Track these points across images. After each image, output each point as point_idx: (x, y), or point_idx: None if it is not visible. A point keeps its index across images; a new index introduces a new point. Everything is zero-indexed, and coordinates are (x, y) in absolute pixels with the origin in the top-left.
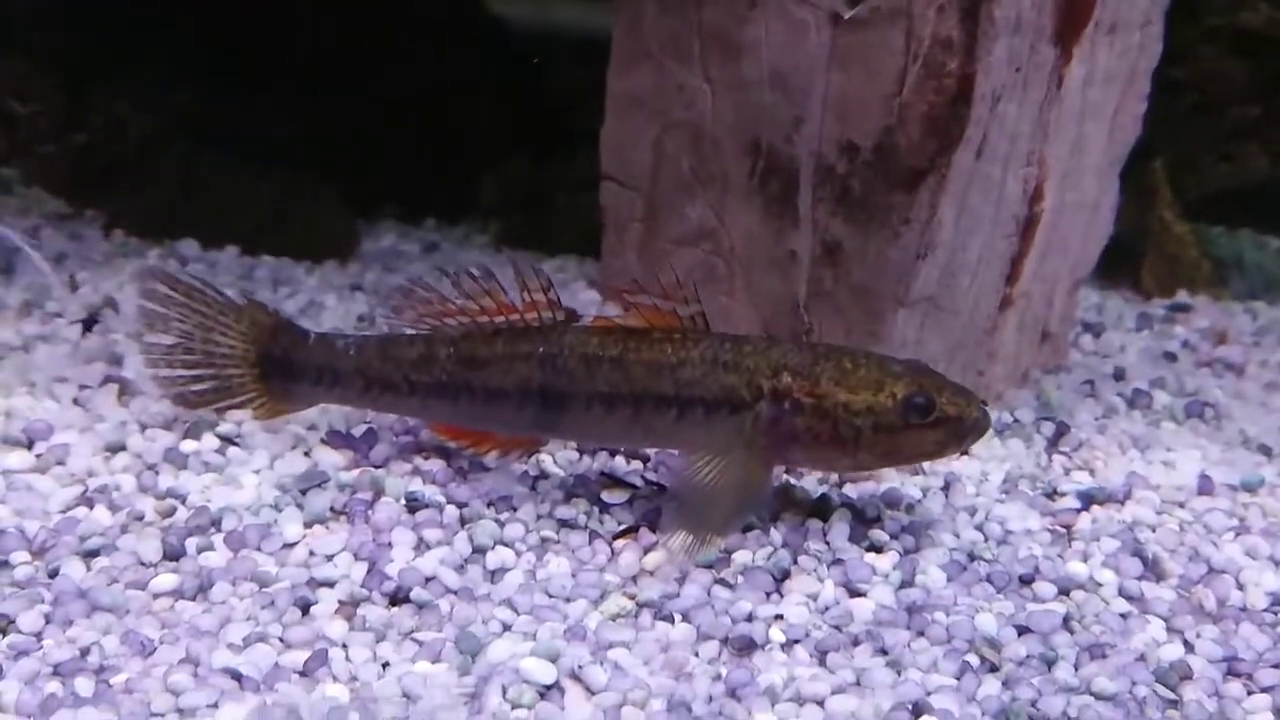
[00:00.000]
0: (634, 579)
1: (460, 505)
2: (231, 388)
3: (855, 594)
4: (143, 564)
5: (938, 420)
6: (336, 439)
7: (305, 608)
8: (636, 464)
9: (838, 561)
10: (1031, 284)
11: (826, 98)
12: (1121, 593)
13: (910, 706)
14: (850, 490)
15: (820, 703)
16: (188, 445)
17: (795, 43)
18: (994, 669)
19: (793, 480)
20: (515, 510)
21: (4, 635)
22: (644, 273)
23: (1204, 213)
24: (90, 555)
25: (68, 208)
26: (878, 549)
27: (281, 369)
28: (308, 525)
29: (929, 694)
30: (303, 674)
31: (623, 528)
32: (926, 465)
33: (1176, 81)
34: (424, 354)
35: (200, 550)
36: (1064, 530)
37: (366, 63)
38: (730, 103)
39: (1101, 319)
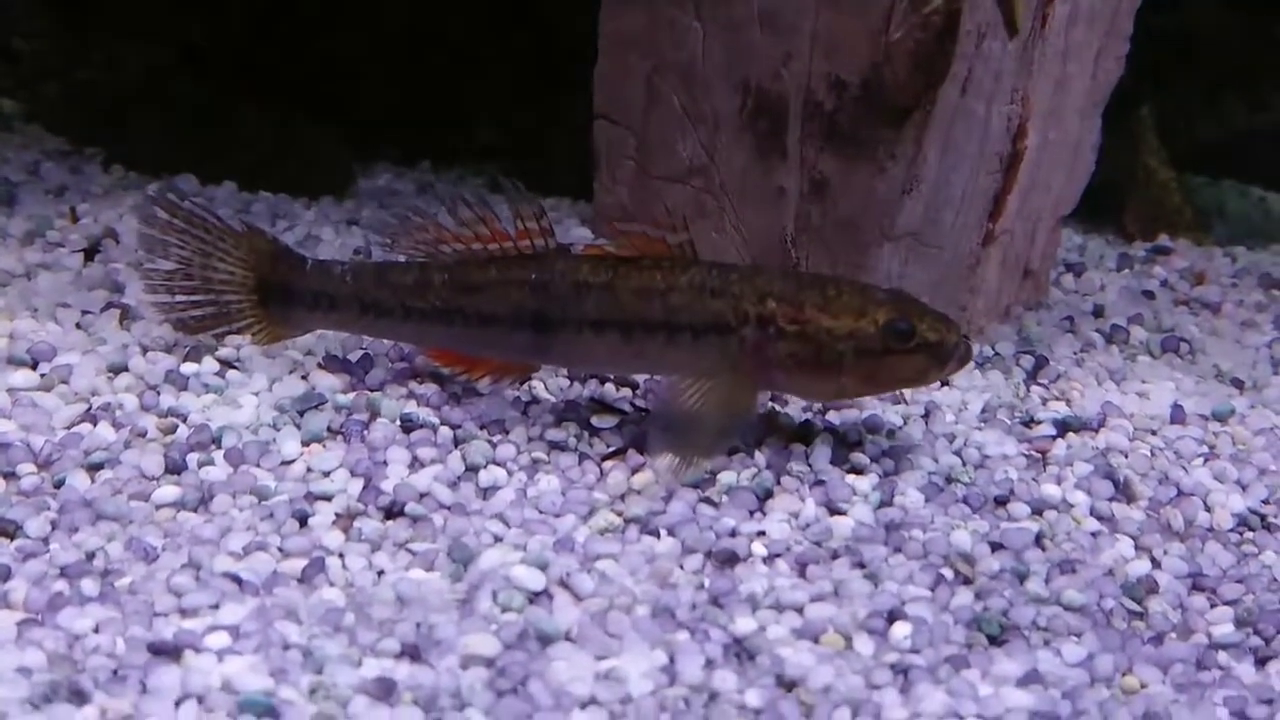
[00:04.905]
0: (622, 497)
1: (454, 427)
2: (230, 313)
3: (836, 512)
4: (145, 477)
5: (918, 345)
6: (333, 364)
7: (303, 519)
8: (626, 391)
9: (819, 482)
10: (1014, 221)
11: (815, 35)
12: (1093, 513)
13: (886, 614)
14: (833, 417)
15: (799, 610)
16: (188, 368)
17: None
18: (967, 582)
19: (777, 407)
20: (507, 433)
21: (11, 539)
22: (635, 210)
23: (1190, 163)
24: (94, 468)
25: (69, 145)
26: (858, 471)
27: (280, 295)
28: (305, 444)
29: (904, 603)
30: (300, 580)
31: (611, 449)
32: (907, 394)
33: (1164, 30)
34: (419, 280)
35: (201, 465)
36: (1039, 455)
37: (366, 2)
38: (721, 41)
39: (1083, 259)
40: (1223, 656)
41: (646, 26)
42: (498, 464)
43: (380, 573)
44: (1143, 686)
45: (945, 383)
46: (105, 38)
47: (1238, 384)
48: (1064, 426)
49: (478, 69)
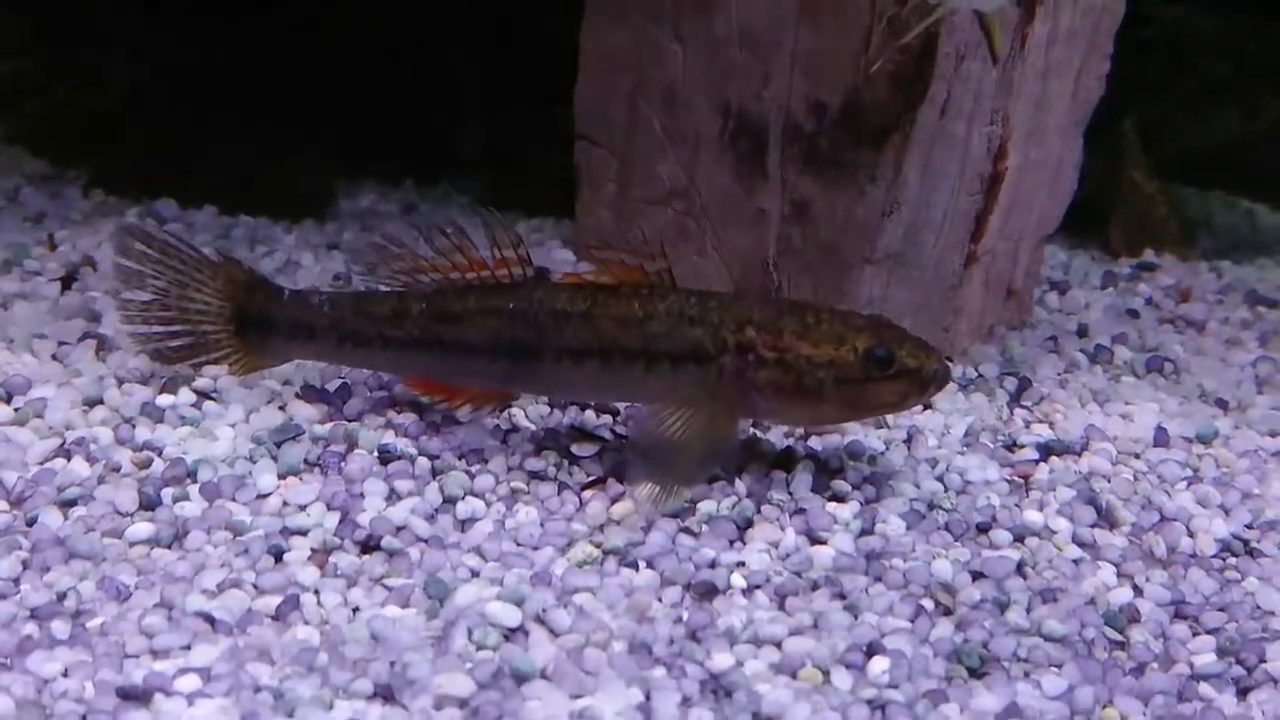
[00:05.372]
0: (601, 528)
1: (432, 457)
2: (207, 344)
3: (816, 541)
4: (119, 513)
5: (899, 372)
6: (311, 394)
7: (278, 555)
8: (606, 418)
9: (800, 511)
10: (996, 241)
11: (795, 56)
12: (1075, 540)
13: (865, 648)
14: (814, 443)
15: (778, 644)
16: (164, 399)
17: (764, 1)
18: (948, 612)
19: (759, 433)
20: (486, 462)
21: None
22: (617, 231)
23: (1177, 173)
24: (68, 505)
25: (49, 168)
26: (839, 498)
27: (257, 325)
28: (282, 476)
29: (883, 636)
30: (275, 618)
31: (591, 479)
32: (890, 419)
33: (1147, 41)
34: (397, 309)
35: (176, 500)
36: (1022, 480)
37: (346, 21)
38: (701, 62)
39: (1067, 277)
40: (1204, 688)
41: (628, 46)
42: (476, 495)
43: (355, 609)
44: (1123, 719)
45: (928, 405)
46: (85, 57)
47: (1222, 404)
48: (1047, 450)
49: (462, 87)
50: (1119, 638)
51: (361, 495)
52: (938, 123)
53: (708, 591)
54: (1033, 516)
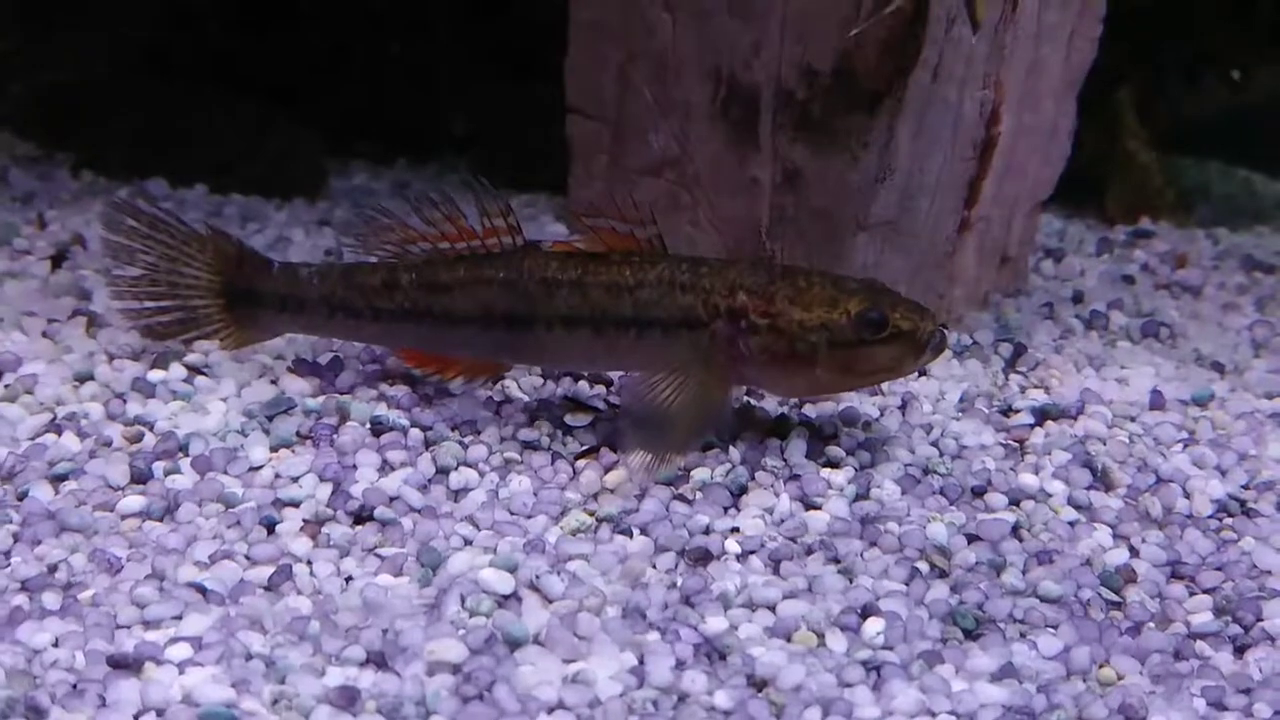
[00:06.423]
0: (594, 496)
1: (425, 429)
2: (198, 318)
3: (810, 507)
4: (110, 487)
5: (892, 336)
6: (303, 367)
7: (270, 527)
8: (600, 389)
9: (794, 477)
10: (990, 207)
11: (785, 22)
12: (1070, 502)
13: (859, 610)
14: (809, 410)
15: (771, 607)
16: (155, 374)
17: None
18: (943, 575)
19: (753, 401)
20: (479, 433)
21: None
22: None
23: (1173, 144)
24: (59, 479)
25: (38, 149)
26: (834, 464)
27: (246, 298)
28: (274, 449)
29: (878, 599)
30: (267, 588)
31: (584, 448)
32: (884, 385)
33: (1140, 9)
34: (387, 281)
35: (167, 474)
36: (1017, 445)
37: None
38: (691, 30)
39: (1062, 244)
40: (1201, 646)
41: (617, 17)
42: (469, 465)
43: (348, 579)
44: (1120, 678)
45: (923, 372)
46: (71, 36)
47: (1218, 368)
48: (1042, 414)
49: (453, 63)
50: (1115, 598)
51: (354, 467)
52: (930, 87)
53: (702, 557)
54: (1028, 480)
